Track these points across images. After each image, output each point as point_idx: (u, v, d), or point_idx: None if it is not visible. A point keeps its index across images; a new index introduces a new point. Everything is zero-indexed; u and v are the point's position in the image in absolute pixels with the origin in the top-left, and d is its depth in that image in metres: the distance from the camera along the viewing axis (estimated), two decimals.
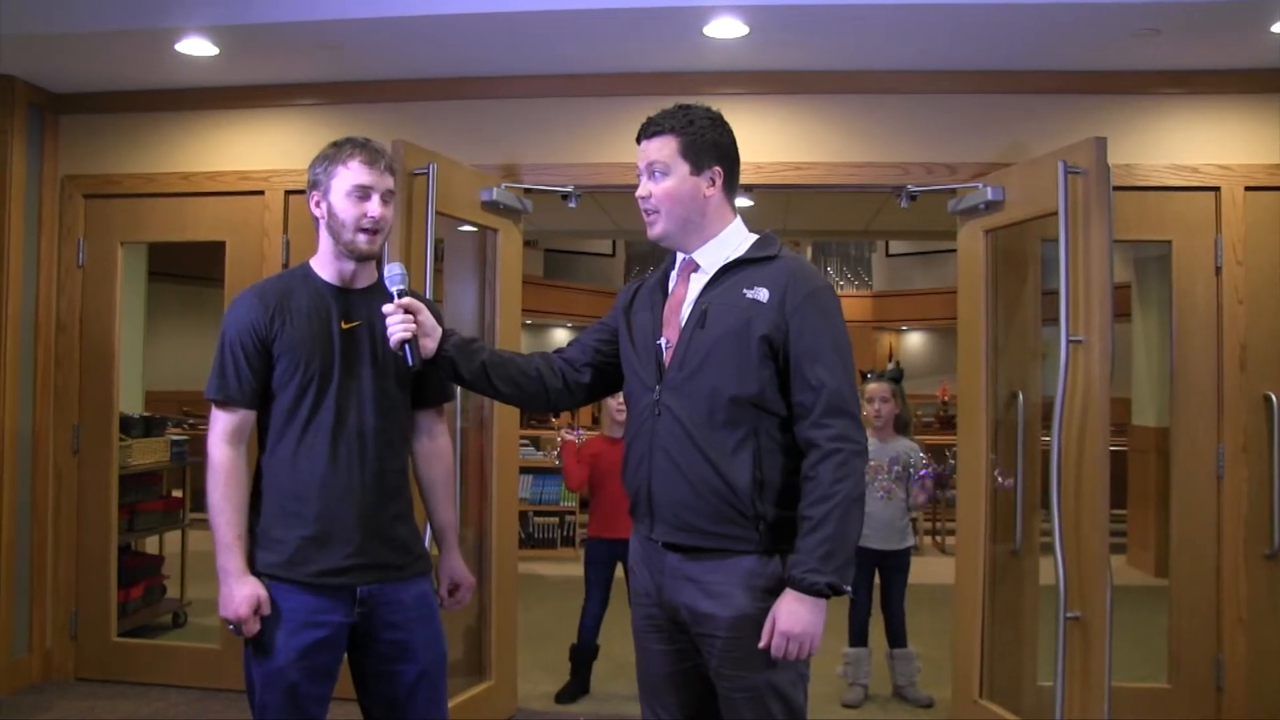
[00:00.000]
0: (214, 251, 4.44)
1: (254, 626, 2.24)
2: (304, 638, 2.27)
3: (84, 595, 4.51)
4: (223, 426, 2.31)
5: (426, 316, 2.30)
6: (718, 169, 2.21)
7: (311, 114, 4.35)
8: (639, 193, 2.23)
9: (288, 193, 4.30)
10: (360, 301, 2.39)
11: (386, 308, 2.28)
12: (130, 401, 5.43)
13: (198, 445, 2.43)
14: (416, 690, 2.39)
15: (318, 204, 2.37)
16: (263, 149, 4.40)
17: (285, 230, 4.31)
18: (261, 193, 4.36)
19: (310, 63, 4.12)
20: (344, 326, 2.36)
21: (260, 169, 4.37)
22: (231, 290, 4.26)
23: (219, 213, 4.42)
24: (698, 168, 2.19)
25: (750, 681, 2.10)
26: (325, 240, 2.39)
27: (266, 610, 2.25)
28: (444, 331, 2.34)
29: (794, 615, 2.03)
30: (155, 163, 4.48)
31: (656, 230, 2.23)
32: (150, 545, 5.65)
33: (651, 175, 2.21)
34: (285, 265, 4.23)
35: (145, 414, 5.32)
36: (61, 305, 4.50)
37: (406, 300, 2.28)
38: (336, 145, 2.37)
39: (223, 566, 2.27)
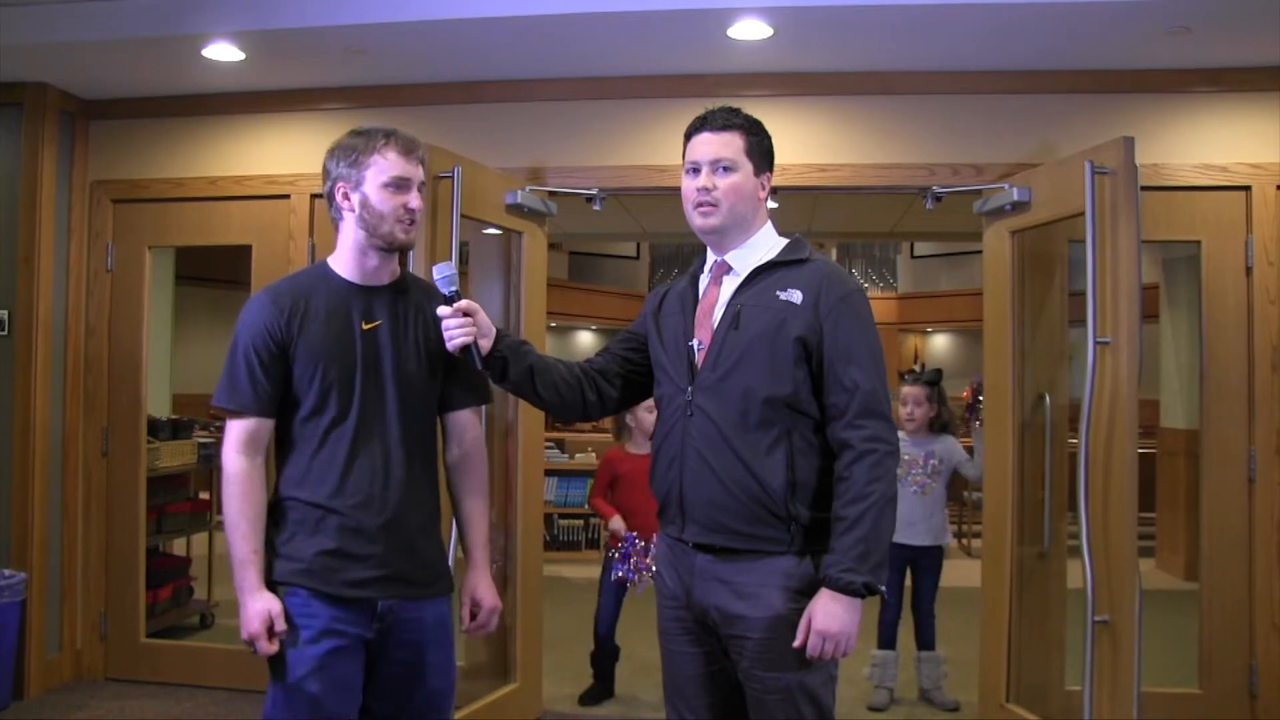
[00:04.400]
0: (241, 255, 4.47)
1: (265, 646, 2.13)
2: (324, 645, 2.15)
3: (113, 596, 4.55)
4: (236, 435, 2.19)
5: (483, 317, 2.24)
6: (768, 174, 2.27)
7: (336, 118, 4.35)
8: (699, 183, 2.21)
9: (313, 196, 4.31)
10: (380, 299, 2.28)
11: (442, 310, 2.21)
12: (158, 404, 5.48)
13: None
14: (423, 716, 2.29)
15: (346, 196, 2.24)
16: (288, 153, 4.42)
17: (311, 234, 4.32)
18: (287, 196, 4.38)
19: (335, 67, 4.15)
20: (365, 327, 2.24)
21: (286, 173, 4.40)
22: None
23: (245, 217, 4.45)
24: (758, 169, 2.24)
25: (783, 682, 2.10)
26: (353, 234, 2.26)
27: (281, 626, 2.13)
28: (497, 332, 2.29)
29: (830, 615, 2.03)
30: (183, 167, 4.51)
31: (713, 220, 2.21)
32: (178, 547, 5.69)
33: (716, 169, 2.20)
34: None
35: (173, 417, 5.37)
36: (91, 309, 4.54)
37: (465, 303, 2.21)
38: (364, 134, 2.24)
39: (239, 584, 2.15)
